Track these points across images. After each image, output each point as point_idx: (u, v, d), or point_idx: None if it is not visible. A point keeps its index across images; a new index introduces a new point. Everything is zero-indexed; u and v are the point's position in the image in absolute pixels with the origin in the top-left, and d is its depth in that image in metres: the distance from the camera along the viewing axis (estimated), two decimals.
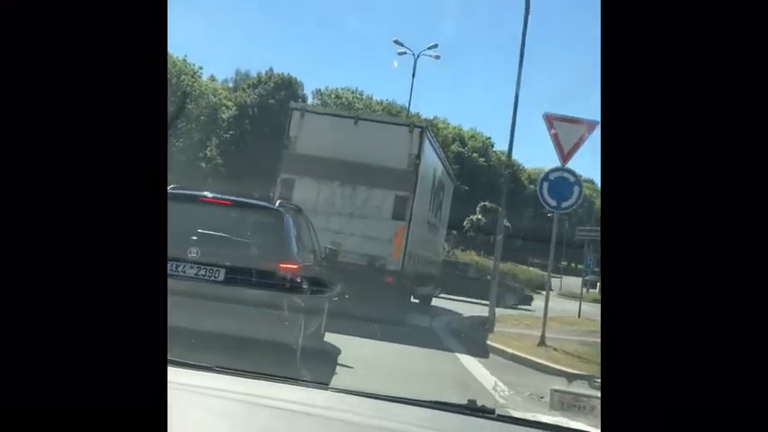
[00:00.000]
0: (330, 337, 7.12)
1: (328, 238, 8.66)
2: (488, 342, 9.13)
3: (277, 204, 6.23)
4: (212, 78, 41.50)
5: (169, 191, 5.84)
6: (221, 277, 5.30)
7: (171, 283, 4.56)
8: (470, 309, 15.19)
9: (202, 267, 5.28)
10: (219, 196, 6.04)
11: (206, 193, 6.09)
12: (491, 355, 8.36)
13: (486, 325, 10.94)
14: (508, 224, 14.98)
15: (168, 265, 5.20)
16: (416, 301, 14.01)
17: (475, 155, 44.17)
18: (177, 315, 5.24)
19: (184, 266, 5.27)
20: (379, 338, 7.74)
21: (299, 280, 5.57)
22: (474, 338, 9.62)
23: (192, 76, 37.82)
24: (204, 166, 36.14)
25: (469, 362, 7.59)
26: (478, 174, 41.03)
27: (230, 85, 43.52)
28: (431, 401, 1.51)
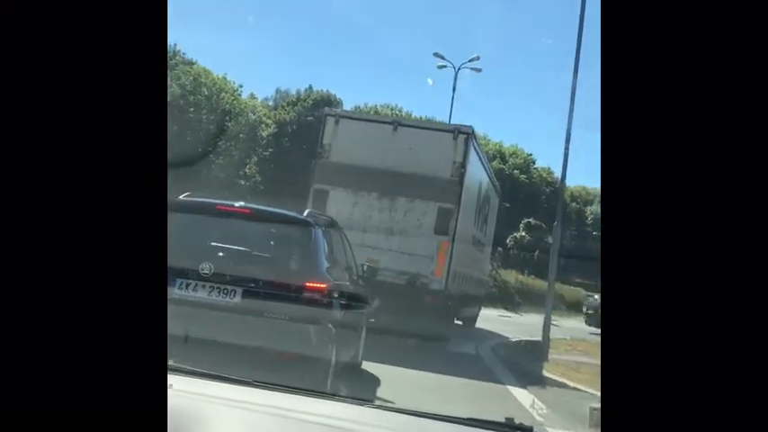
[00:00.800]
0: (366, 365, 6.34)
1: (365, 255, 7.84)
2: (544, 373, 8.15)
3: (305, 214, 5.44)
4: (252, 96, 41.85)
5: (182, 199, 5.17)
6: (237, 298, 4.55)
7: (180, 304, 3.69)
8: (518, 331, 14.15)
9: (215, 287, 4.53)
10: (239, 204, 5.29)
11: (223, 202, 5.34)
12: (548, 387, 7.39)
13: (539, 351, 9.94)
14: (551, 241, 14.01)
15: (177, 283, 4.56)
16: (460, 323, 13.05)
17: (516, 172, 43.33)
18: (188, 342, 4.32)
19: (195, 286, 4.52)
20: (419, 367, 6.94)
21: (328, 301, 4.79)
22: (527, 368, 8.63)
23: (232, 95, 38.24)
24: (243, 183, 36.26)
25: (524, 397, 6.65)
26: (520, 191, 40.06)
27: (270, 103, 43.87)
28: (467, 419, 1.49)
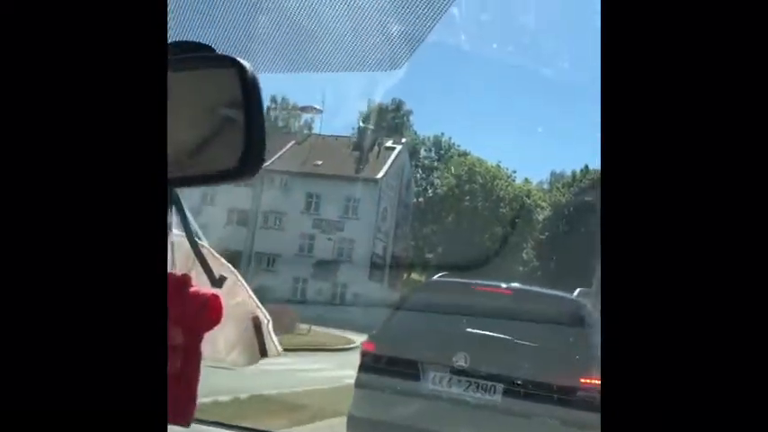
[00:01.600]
0: None
1: None
2: None
3: (576, 294, 4.64)
4: (527, 181, 42.18)
5: (437, 279, 4.80)
6: (497, 396, 3.91)
7: (434, 400, 3.16)
8: None
9: (472, 382, 3.94)
10: (500, 285, 4.73)
11: (482, 282, 4.82)
12: None
13: None
14: None
15: (430, 376, 4.08)
16: None
17: None
18: None
19: (450, 380, 3.98)
20: None
21: None
22: None
23: (506, 180, 38.98)
24: (521, 269, 35.99)
25: None
26: None
27: (545, 186, 43.78)
28: None
